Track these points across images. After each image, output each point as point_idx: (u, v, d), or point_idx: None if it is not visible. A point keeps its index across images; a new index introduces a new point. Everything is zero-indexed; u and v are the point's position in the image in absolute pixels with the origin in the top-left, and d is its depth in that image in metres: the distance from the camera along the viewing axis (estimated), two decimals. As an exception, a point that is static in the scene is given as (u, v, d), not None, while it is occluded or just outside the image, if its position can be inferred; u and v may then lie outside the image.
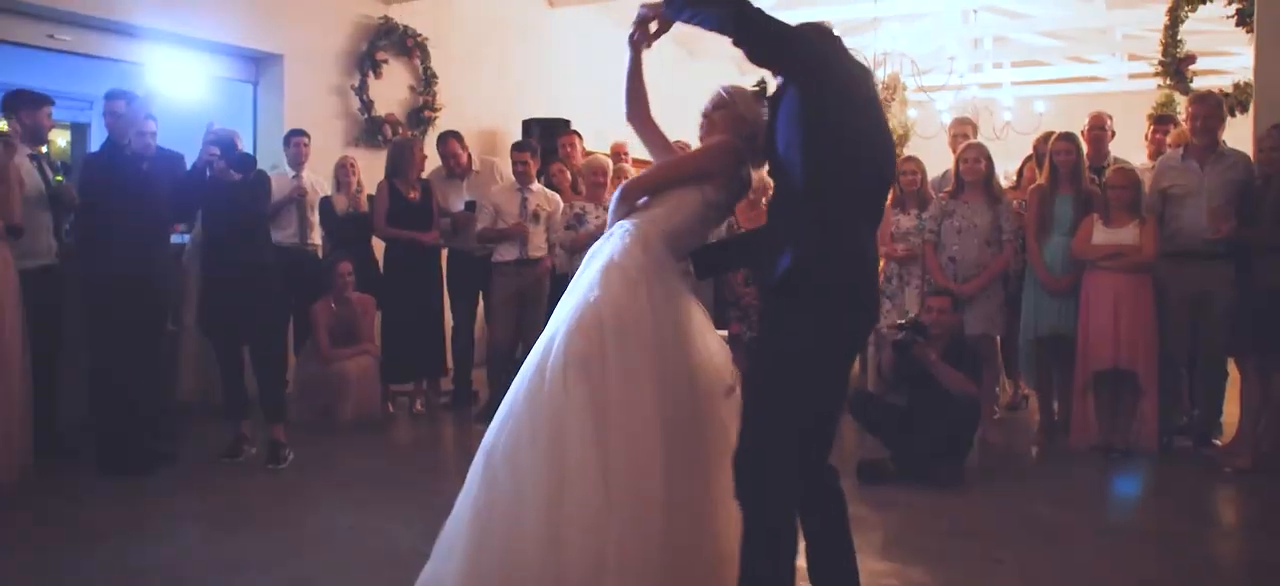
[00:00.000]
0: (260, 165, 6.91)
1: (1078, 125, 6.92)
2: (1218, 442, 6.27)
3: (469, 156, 7.81)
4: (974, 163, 6.54)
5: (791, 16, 10.00)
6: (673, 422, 2.94)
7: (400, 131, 8.78)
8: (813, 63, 2.86)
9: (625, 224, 3.16)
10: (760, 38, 2.81)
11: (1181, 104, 9.35)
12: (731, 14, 2.80)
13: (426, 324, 7.33)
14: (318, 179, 7.61)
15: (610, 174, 7.19)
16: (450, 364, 7.68)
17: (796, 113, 2.85)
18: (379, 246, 7.52)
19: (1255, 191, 5.93)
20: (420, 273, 7.28)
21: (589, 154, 7.93)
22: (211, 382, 6.72)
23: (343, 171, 7.46)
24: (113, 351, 5.61)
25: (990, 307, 6.49)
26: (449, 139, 7.73)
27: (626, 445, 2.87)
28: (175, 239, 6.64)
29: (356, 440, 6.55)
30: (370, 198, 7.48)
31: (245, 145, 6.00)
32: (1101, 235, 6.13)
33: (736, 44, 2.82)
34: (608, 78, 11.43)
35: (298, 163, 7.45)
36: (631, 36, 3.30)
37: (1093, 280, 6.16)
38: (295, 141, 7.46)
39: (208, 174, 5.73)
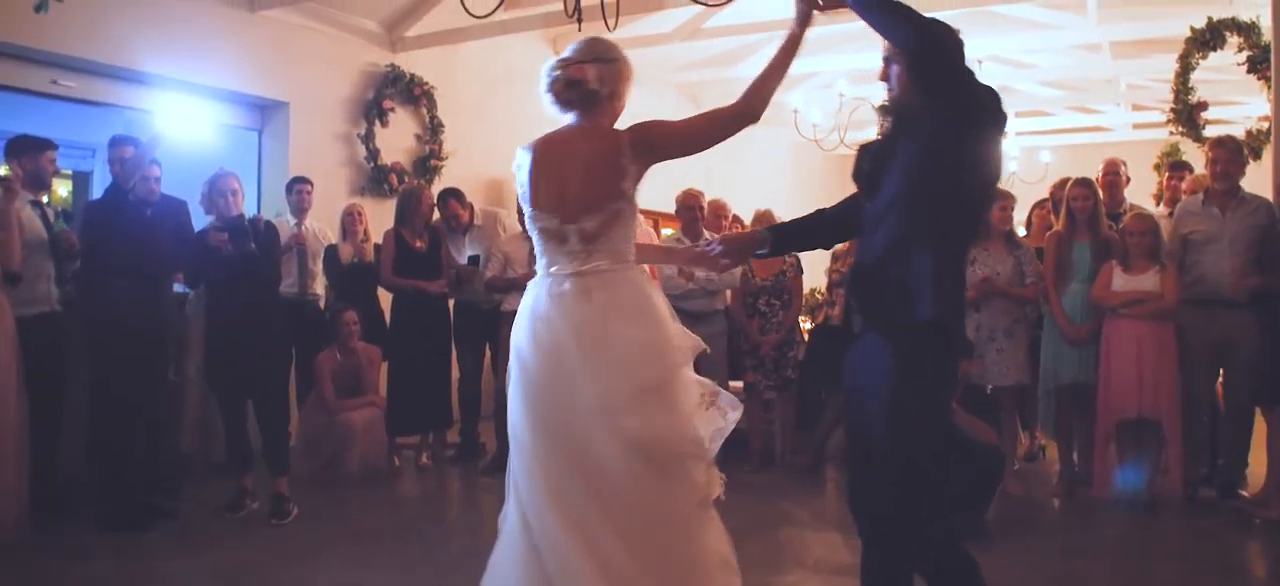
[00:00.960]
0: (263, 213, 6.84)
1: (1085, 174, 6.84)
2: (1244, 493, 6.14)
3: (470, 213, 7.71)
4: (1001, 210, 6.45)
5: (807, 63, 9.84)
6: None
7: (406, 180, 8.69)
8: (982, 108, 2.77)
9: None
10: (936, 71, 2.75)
11: (1187, 151, 9.39)
12: (913, 37, 2.74)
13: (433, 375, 7.21)
14: (321, 227, 7.52)
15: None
16: (457, 416, 7.54)
17: (947, 150, 2.75)
18: (385, 296, 7.40)
19: (1277, 237, 5.87)
20: (427, 322, 7.16)
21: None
22: (215, 435, 6.58)
23: (349, 219, 7.36)
24: (113, 402, 5.46)
25: (1018, 356, 6.36)
26: (449, 198, 7.65)
27: None
28: (177, 287, 6.50)
29: (362, 494, 6.42)
30: (376, 246, 7.37)
31: (243, 190, 5.88)
32: (1121, 282, 6.04)
33: (909, 68, 2.79)
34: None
35: (299, 210, 7.36)
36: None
37: (1114, 328, 6.06)
38: (298, 189, 7.37)
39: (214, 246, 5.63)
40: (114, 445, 5.48)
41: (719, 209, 7.62)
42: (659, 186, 10.97)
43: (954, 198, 2.77)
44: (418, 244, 7.17)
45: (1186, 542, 5.46)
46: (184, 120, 7.30)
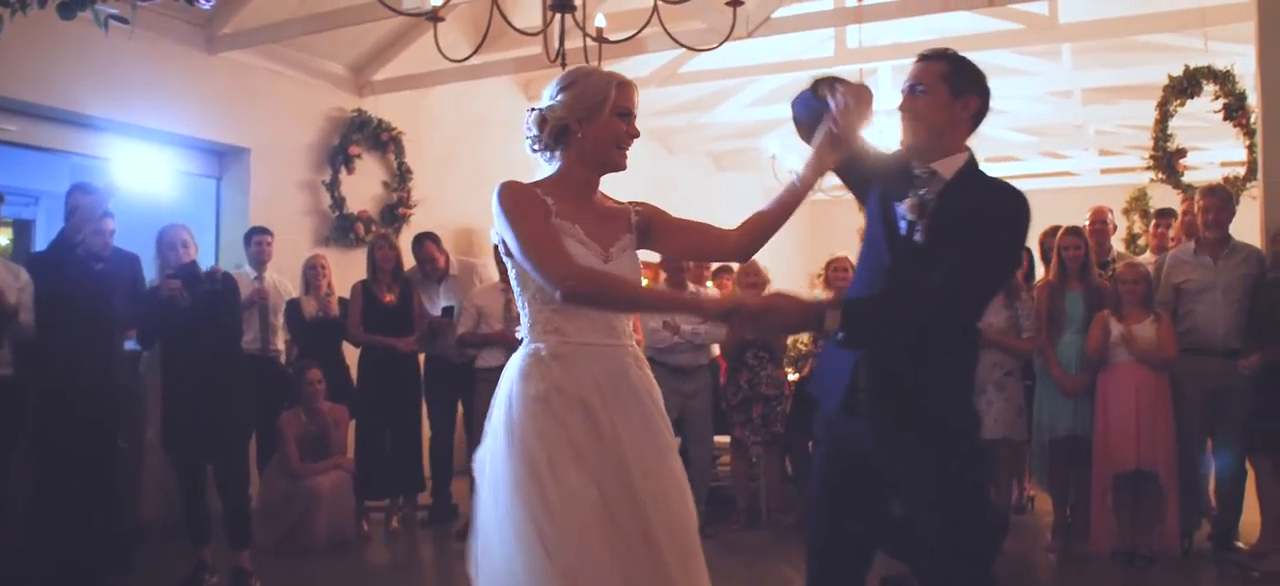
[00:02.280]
0: (223, 265, 6.53)
1: (1052, 221, 6.77)
2: (1240, 545, 6.03)
3: (447, 259, 7.45)
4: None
5: (784, 108, 9.70)
6: None
7: (373, 229, 8.41)
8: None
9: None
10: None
11: (1155, 196, 9.40)
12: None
13: (403, 434, 6.97)
14: (282, 280, 7.22)
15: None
16: (428, 477, 7.27)
17: (981, 267, 2.79)
18: (351, 352, 7.10)
19: (1269, 287, 5.82)
20: (397, 380, 6.91)
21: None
22: (169, 503, 6.24)
23: (312, 272, 7.06)
24: (59, 469, 5.11)
25: (1010, 410, 6.20)
26: (425, 241, 7.39)
27: None
28: (129, 345, 6.16)
29: (329, 563, 6.14)
30: (341, 300, 7.07)
31: (196, 242, 5.58)
32: (1115, 331, 5.94)
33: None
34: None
35: (259, 262, 7.07)
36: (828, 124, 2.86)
37: (1110, 379, 5.96)
38: (257, 240, 7.08)
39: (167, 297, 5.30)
40: (60, 514, 5.11)
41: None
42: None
43: (982, 300, 3.03)
44: (387, 297, 6.90)
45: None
46: (137, 168, 6.98)
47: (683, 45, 6.34)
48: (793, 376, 7.49)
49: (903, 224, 2.80)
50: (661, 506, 2.61)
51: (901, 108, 2.85)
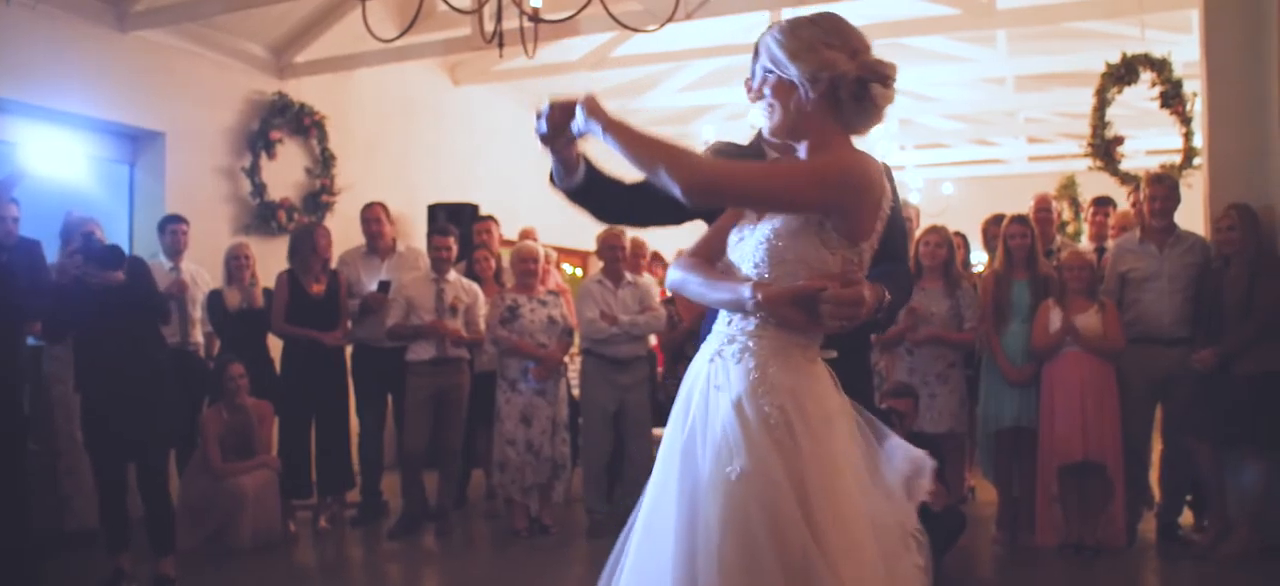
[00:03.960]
0: (138, 255, 6.18)
1: (982, 207, 6.74)
2: (1185, 533, 6.11)
3: (395, 233, 7.18)
4: (935, 247, 6.21)
5: (716, 94, 9.56)
6: None
7: (295, 217, 8.06)
8: None
9: (738, 333, 2.26)
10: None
11: (1085, 186, 9.49)
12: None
13: (331, 430, 6.71)
14: (199, 270, 6.86)
15: (542, 261, 6.64)
16: (358, 473, 7.00)
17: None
18: (275, 345, 6.77)
19: (1213, 275, 5.85)
20: (323, 373, 6.64)
21: (508, 242, 7.41)
22: (82, 504, 5.92)
23: (236, 261, 6.71)
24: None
25: (953, 403, 6.15)
26: (374, 207, 7.13)
27: None
28: (31, 341, 5.78)
29: (254, 566, 5.86)
30: (266, 291, 6.74)
31: (104, 233, 5.24)
32: (1059, 321, 5.90)
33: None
34: (516, 159, 11.09)
35: (175, 252, 6.72)
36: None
37: (1055, 370, 5.93)
38: (172, 229, 6.72)
39: (74, 279, 4.94)
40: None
41: (639, 248, 7.24)
42: (574, 222, 10.51)
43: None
44: (314, 288, 6.60)
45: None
46: (45, 152, 6.59)
47: (623, 26, 6.13)
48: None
49: None
50: None
51: (753, 99, 2.52)
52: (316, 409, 6.64)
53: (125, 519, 5.21)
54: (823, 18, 2.23)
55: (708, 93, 11.08)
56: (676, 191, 2.13)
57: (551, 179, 2.67)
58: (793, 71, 2.20)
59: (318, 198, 8.46)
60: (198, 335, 6.78)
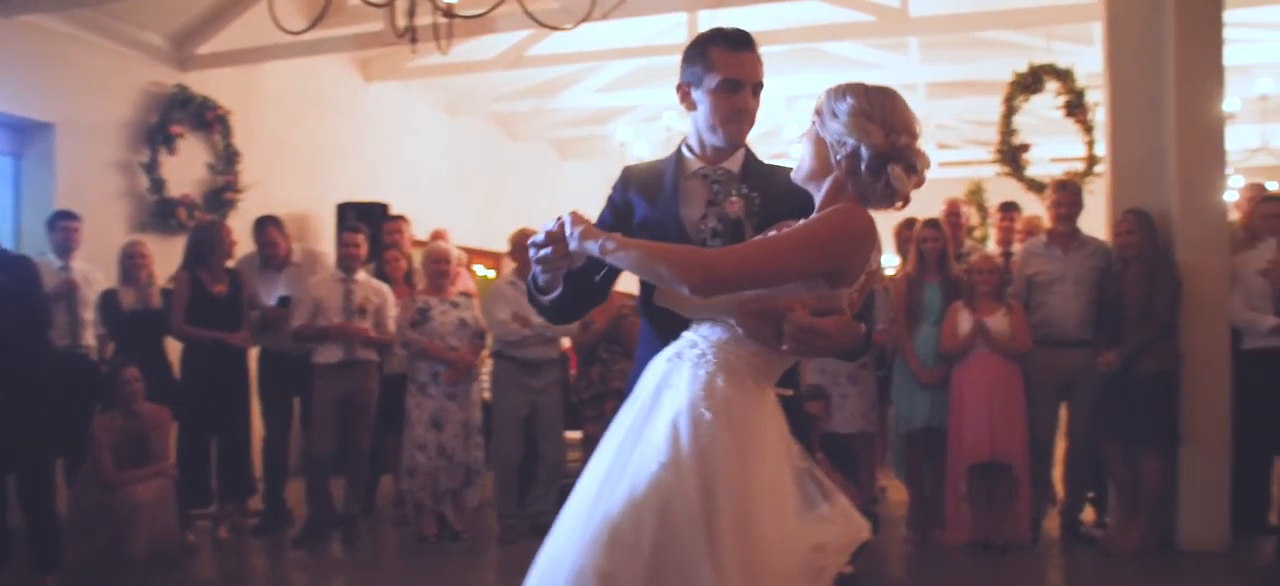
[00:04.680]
0: (24, 252, 5.91)
1: (893, 211, 6.80)
2: (1094, 530, 6.29)
3: (289, 246, 6.95)
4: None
5: (633, 94, 9.52)
6: None
7: (196, 215, 7.79)
8: None
9: (701, 339, 2.34)
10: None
11: (992, 192, 9.68)
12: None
13: (232, 436, 6.49)
14: (91, 269, 6.57)
15: (454, 263, 6.52)
16: (260, 480, 6.80)
17: None
18: (173, 348, 6.53)
19: (1114, 277, 5.99)
20: (225, 377, 6.41)
21: (420, 242, 7.28)
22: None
23: (130, 260, 6.44)
24: None
25: (864, 403, 6.20)
26: (268, 225, 6.88)
27: None
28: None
29: (149, 579, 5.64)
30: (164, 291, 6.50)
31: None
32: (968, 323, 5.99)
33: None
34: (428, 158, 10.90)
35: (66, 250, 6.44)
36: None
37: (964, 371, 6.03)
38: (62, 225, 6.44)
39: None
40: None
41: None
42: (487, 222, 10.40)
43: None
44: (216, 288, 6.38)
45: (1052, 581, 5.59)
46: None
47: (539, 23, 6.05)
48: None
49: (718, 223, 2.63)
50: None
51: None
52: (217, 413, 6.40)
53: (6, 533, 4.95)
54: (878, 91, 2.32)
55: (624, 94, 11.03)
56: (685, 292, 2.25)
57: (530, 294, 2.71)
58: (828, 130, 2.33)
59: (221, 195, 8.19)
60: (89, 337, 6.49)
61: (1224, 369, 5.81)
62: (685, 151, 2.73)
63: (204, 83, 8.11)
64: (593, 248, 2.30)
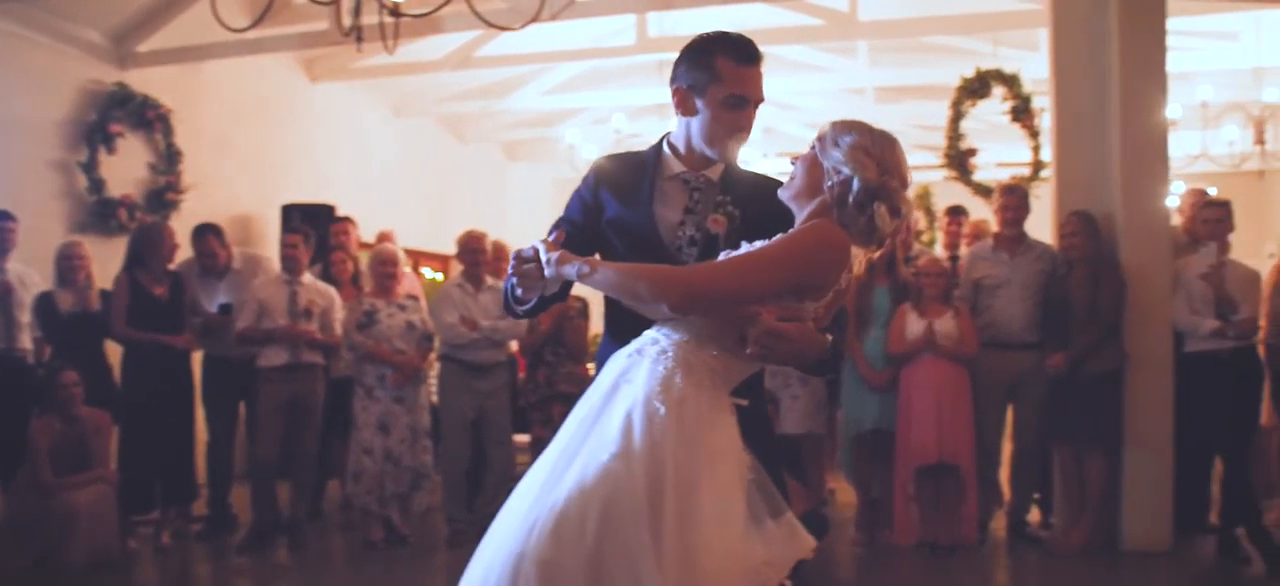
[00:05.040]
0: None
1: None
2: (1040, 530, 6.37)
3: (229, 254, 6.81)
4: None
5: (582, 96, 9.51)
6: None
7: (138, 216, 7.63)
8: None
9: (663, 337, 2.37)
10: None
11: (939, 196, 9.76)
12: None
13: (175, 440, 6.35)
14: (27, 270, 6.41)
15: (401, 265, 6.44)
16: (204, 485, 6.68)
17: None
18: (114, 351, 6.39)
19: (1060, 279, 6.07)
20: (168, 380, 6.30)
21: (366, 244, 7.19)
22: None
23: (67, 262, 6.30)
24: None
25: (812, 405, 6.22)
26: (207, 235, 6.72)
27: None
28: None
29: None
30: (103, 293, 6.35)
31: None
32: (916, 325, 6.03)
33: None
34: (375, 160, 10.77)
35: (2, 251, 6.27)
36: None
37: (912, 374, 6.08)
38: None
39: None
40: None
41: (500, 251, 7.10)
42: (434, 224, 10.30)
43: None
44: (157, 290, 6.25)
45: (1000, 582, 5.66)
46: None
47: (487, 23, 6.00)
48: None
49: (696, 232, 2.62)
50: None
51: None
52: (160, 417, 6.27)
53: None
54: (881, 134, 2.39)
55: (573, 96, 10.98)
56: (664, 309, 2.30)
57: (506, 303, 2.69)
58: (827, 156, 2.37)
59: (162, 196, 8.02)
60: (25, 340, 6.32)
61: (1167, 371, 5.91)
62: (666, 150, 2.68)
63: (144, 81, 7.94)
64: (571, 272, 2.34)
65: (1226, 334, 5.67)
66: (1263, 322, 5.82)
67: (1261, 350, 5.86)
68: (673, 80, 2.65)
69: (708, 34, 2.62)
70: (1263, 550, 5.54)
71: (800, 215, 2.42)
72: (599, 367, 2.57)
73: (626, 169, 2.73)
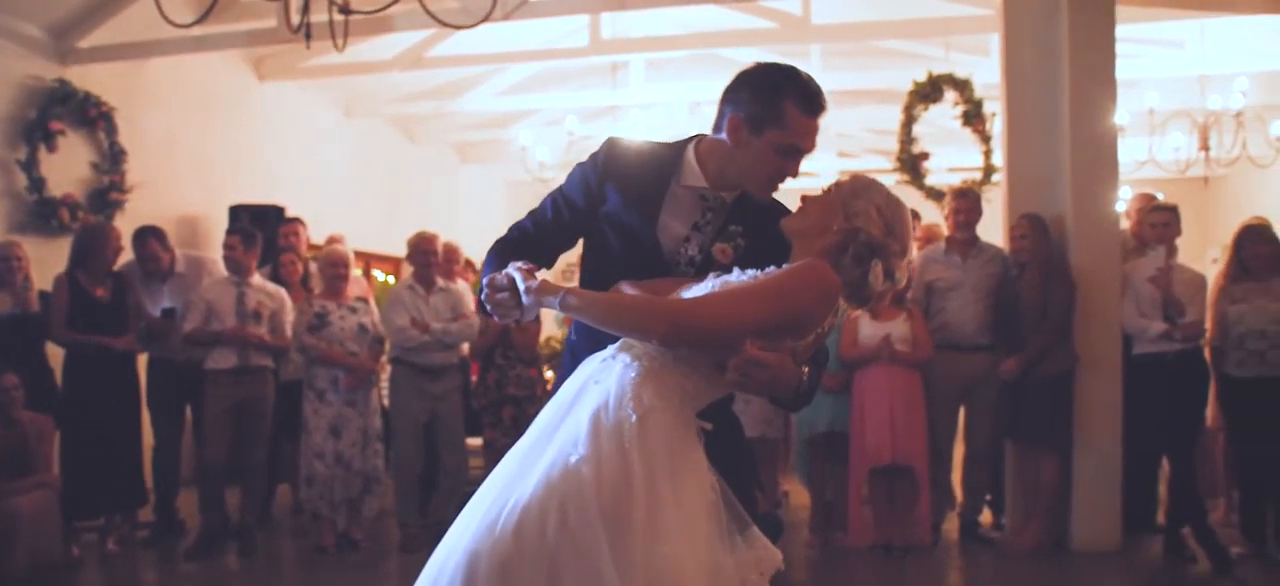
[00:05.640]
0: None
1: None
2: (992, 531, 6.43)
3: (171, 257, 6.67)
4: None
5: (535, 98, 9.42)
6: None
7: (81, 216, 7.44)
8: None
9: (637, 345, 2.31)
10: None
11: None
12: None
13: (120, 444, 6.19)
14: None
15: (351, 265, 6.36)
16: (151, 491, 6.54)
17: None
18: (57, 354, 6.23)
19: (1011, 281, 6.13)
20: (112, 383, 6.14)
21: (316, 246, 7.09)
22: None
23: (4, 263, 6.11)
24: None
25: (766, 408, 6.20)
26: (149, 238, 6.56)
27: None
28: None
29: (32, 596, 5.36)
30: (43, 294, 6.19)
31: None
32: (869, 328, 6.06)
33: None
34: (325, 160, 10.63)
35: (-62, 251, 6.09)
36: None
37: (865, 377, 6.09)
38: (-66, 227, 6.10)
39: None
40: None
41: (452, 253, 7.03)
42: (386, 226, 10.19)
43: None
44: (98, 291, 6.11)
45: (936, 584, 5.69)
46: None
47: (439, 22, 5.93)
48: (549, 374, 7.26)
49: (699, 253, 2.57)
50: None
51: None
52: (104, 421, 6.10)
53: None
54: (897, 200, 2.41)
55: (526, 97, 10.93)
56: (651, 343, 2.25)
57: (481, 308, 2.68)
58: (842, 200, 2.37)
59: (106, 195, 7.83)
60: (-37, 344, 6.16)
61: (1116, 373, 5.99)
62: (692, 157, 2.57)
63: (86, 77, 7.74)
64: (552, 303, 2.32)
65: (1173, 336, 5.76)
66: (1208, 326, 5.90)
67: (1207, 352, 5.95)
68: (730, 103, 2.50)
69: (779, 69, 2.49)
70: (1208, 549, 5.62)
71: (798, 250, 2.40)
72: (566, 364, 2.53)
73: (641, 167, 2.60)
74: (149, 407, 6.57)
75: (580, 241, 2.72)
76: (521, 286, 2.35)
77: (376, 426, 6.35)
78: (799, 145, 2.47)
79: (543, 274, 2.40)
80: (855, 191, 2.39)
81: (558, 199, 2.65)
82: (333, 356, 6.12)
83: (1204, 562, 5.62)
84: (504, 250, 2.61)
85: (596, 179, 2.59)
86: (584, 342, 2.45)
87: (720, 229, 2.54)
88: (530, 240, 2.66)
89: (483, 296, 2.50)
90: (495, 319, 2.49)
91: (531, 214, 2.70)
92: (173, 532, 6.51)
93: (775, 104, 2.43)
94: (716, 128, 2.52)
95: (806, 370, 2.35)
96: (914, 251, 2.43)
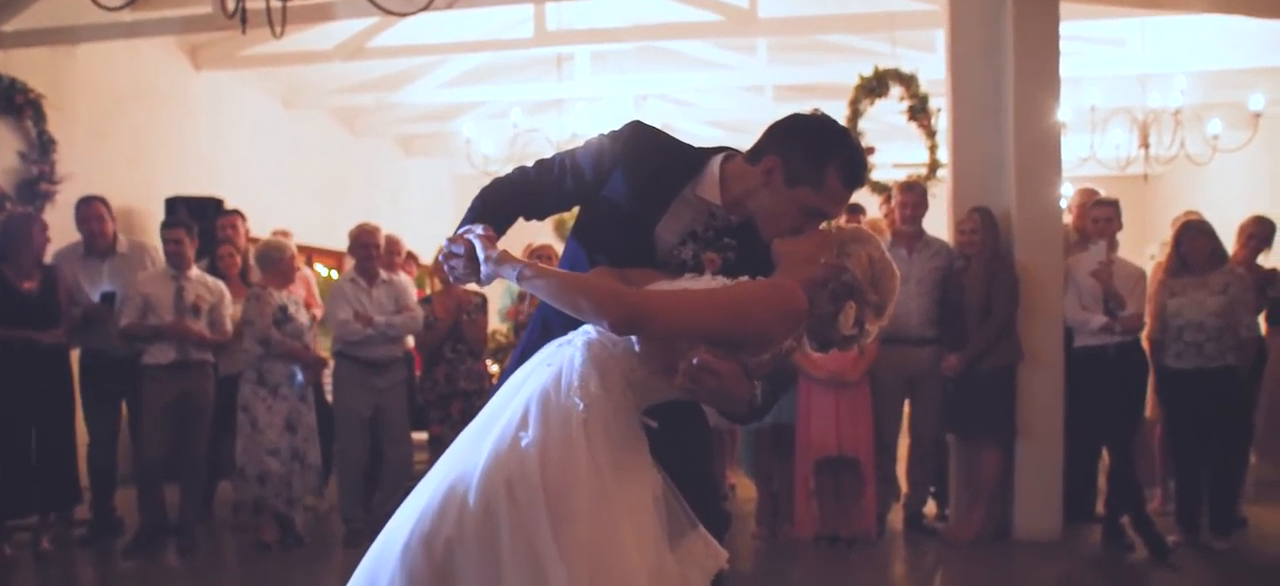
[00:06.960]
0: None
1: None
2: (936, 522, 6.50)
3: (115, 232, 6.48)
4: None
5: (480, 90, 9.30)
6: None
7: (7, 207, 7.21)
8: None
9: (590, 333, 2.29)
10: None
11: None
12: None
13: (53, 441, 6.04)
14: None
15: (294, 256, 6.25)
16: (86, 488, 6.37)
17: None
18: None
19: (957, 274, 6.20)
20: (42, 378, 5.96)
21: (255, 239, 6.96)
22: None
23: (-73, 255, 5.92)
24: None
25: (713, 401, 6.19)
26: (93, 202, 6.38)
27: None
28: None
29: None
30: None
31: None
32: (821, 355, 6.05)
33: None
34: (265, 152, 10.43)
35: None
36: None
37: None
38: None
39: None
40: None
41: (394, 245, 6.92)
42: (328, 220, 10.02)
43: None
44: (26, 285, 5.93)
45: (880, 576, 5.76)
46: None
47: (381, 9, 5.81)
48: (494, 368, 7.19)
49: (691, 260, 2.52)
50: None
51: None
52: (35, 417, 5.96)
53: None
54: (888, 261, 2.39)
55: (469, 89, 10.81)
56: (605, 326, 2.21)
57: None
58: (836, 243, 2.36)
59: (35, 186, 7.59)
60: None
61: (1058, 366, 6.07)
62: (715, 172, 2.49)
63: (11, 63, 7.49)
64: (509, 273, 2.29)
65: (1114, 329, 5.85)
66: (1148, 319, 5.99)
67: (1146, 345, 6.05)
68: (778, 145, 2.43)
69: (833, 129, 2.46)
70: (1146, 537, 5.72)
71: (781, 271, 2.37)
72: (532, 331, 2.54)
73: (658, 163, 2.51)
74: (83, 403, 6.39)
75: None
76: (481, 254, 2.31)
77: (313, 420, 6.28)
78: (827, 211, 2.45)
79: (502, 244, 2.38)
80: (855, 237, 2.38)
81: (566, 162, 2.57)
82: (297, 353, 6.05)
83: (1142, 550, 5.73)
84: (495, 195, 2.56)
85: (610, 160, 2.52)
86: (557, 312, 2.37)
87: (715, 240, 2.50)
88: (530, 188, 2.59)
89: (441, 257, 2.45)
90: (451, 280, 2.46)
91: (538, 163, 2.62)
92: (110, 530, 6.34)
93: (819, 165, 2.39)
94: (752, 156, 2.46)
95: (759, 386, 2.30)
96: (888, 315, 2.39)
